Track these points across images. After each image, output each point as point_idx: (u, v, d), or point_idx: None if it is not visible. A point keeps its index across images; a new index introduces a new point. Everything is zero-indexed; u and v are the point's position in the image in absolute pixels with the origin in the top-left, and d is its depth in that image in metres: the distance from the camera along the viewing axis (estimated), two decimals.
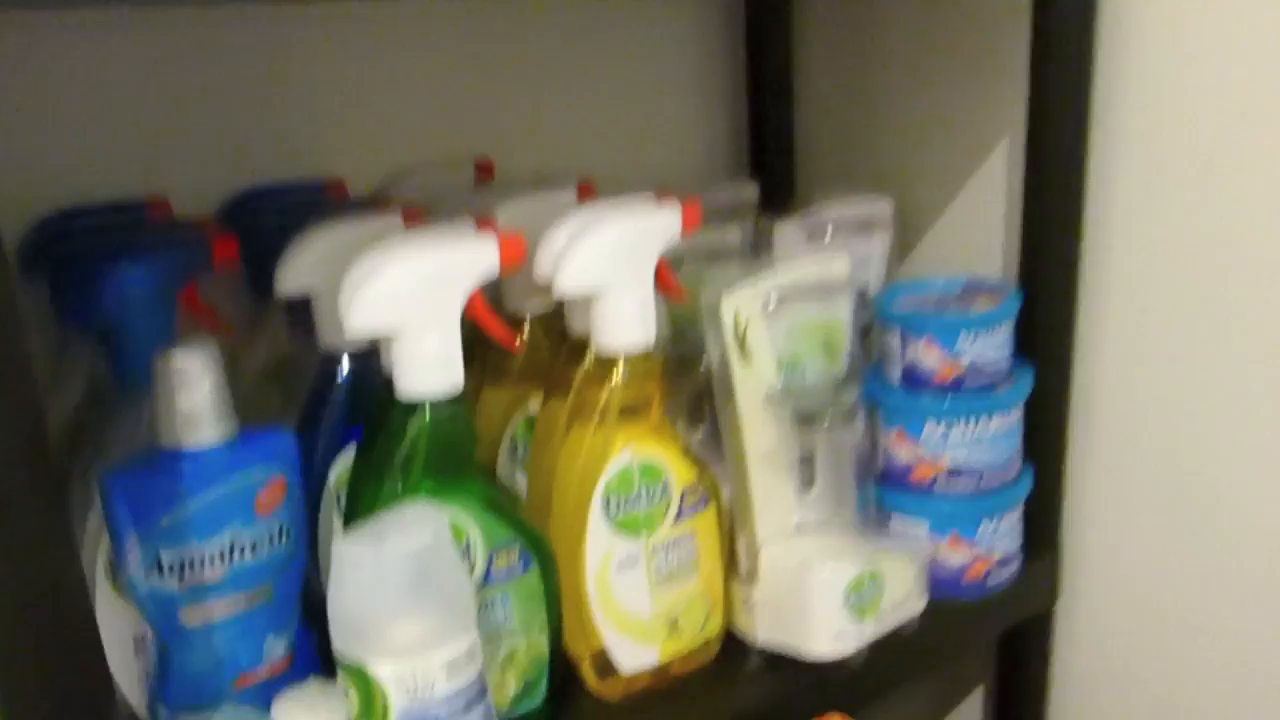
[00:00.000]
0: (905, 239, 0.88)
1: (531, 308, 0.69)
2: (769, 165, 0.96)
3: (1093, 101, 0.73)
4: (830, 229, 0.79)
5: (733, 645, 0.69)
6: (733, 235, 0.78)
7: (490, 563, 0.58)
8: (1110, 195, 0.74)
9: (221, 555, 0.55)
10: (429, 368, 0.54)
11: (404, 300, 0.53)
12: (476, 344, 0.67)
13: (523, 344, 0.69)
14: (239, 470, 0.55)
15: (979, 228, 0.83)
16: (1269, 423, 0.70)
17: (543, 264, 0.59)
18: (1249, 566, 0.73)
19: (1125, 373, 0.76)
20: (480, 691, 0.52)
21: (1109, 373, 0.77)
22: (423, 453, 0.55)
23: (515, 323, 0.69)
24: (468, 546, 0.57)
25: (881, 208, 0.82)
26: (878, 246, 0.82)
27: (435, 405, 0.55)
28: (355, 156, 0.78)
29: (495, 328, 0.56)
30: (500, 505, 0.59)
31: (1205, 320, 0.71)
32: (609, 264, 0.58)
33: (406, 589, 0.50)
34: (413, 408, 0.55)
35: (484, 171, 0.82)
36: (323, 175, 0.76)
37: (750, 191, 0.89)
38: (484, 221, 0.62)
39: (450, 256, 0.54)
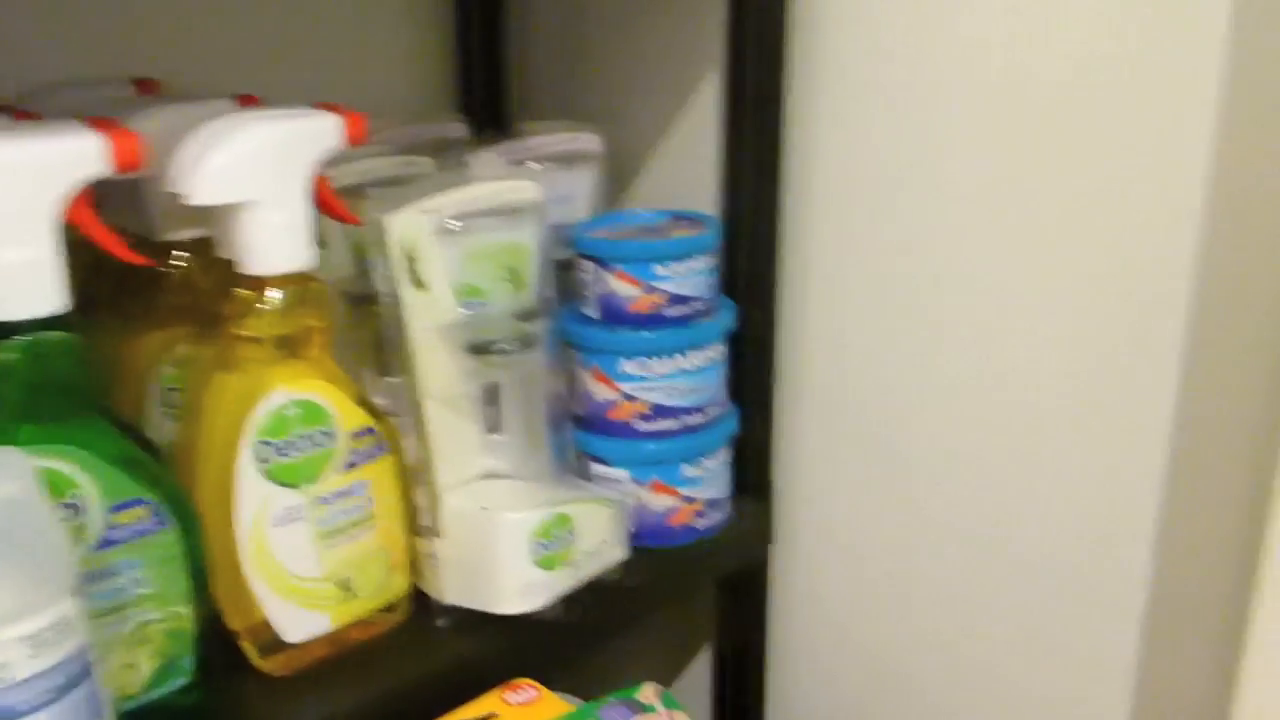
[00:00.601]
0: (620, 178, 0.84)
1: (181, 235, 0.60)
2: (479, 102, 0.90)
3: (790, 39, 0.70)
4: (533, 161, 0.74)
5: (424, 609, 0.63)
6: (424, 165, 0.71)
7: (109, 522, 0.49)
8: (809, 130, 0.72)
9: None
10: (18, 282, 0.45)
11: None
12: (122, 284, 0.58)
13: (173, 277, 0.60)
14: None
15: (691, 167, 0.80)
16: (964, 372, 0.69)
17: (176, 172, 0.51)
18: (946, 520, 0.72)
19: (829, 317, 0.74)
20: (81, 672, 0.44)
21: (814, 316, 0.75)
22: (17, 391, 0.46)
23: (164, 253, 0.60)
24: (77, 503, 0.48)
25: (587, 141, 0.78)
26: (583, 181, 0.77)
27: (30, 331, 0.46)
28: None
29: (100, 235, 0.48)
30: (125, 455, 0.50)
31: (904, 264, 0.70)
32: (252, 171, 0.51)
33: None
34: (1, 334, 0.46)
35: (146, 90, 0.72)
36: None
37: (458, 129, 0.83)
38: (101, 121, 0.53)
39: (40, 149, 0.45)
